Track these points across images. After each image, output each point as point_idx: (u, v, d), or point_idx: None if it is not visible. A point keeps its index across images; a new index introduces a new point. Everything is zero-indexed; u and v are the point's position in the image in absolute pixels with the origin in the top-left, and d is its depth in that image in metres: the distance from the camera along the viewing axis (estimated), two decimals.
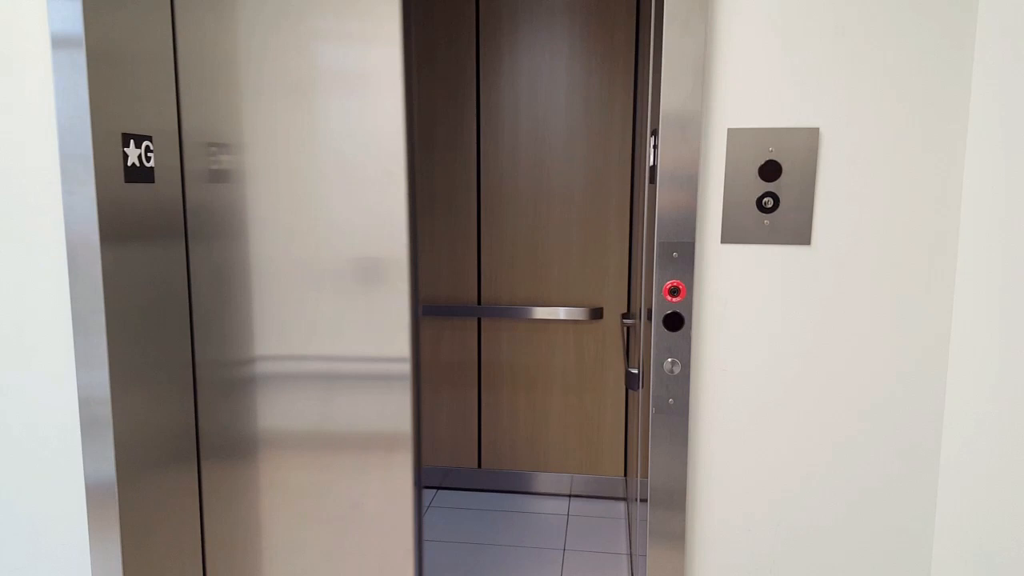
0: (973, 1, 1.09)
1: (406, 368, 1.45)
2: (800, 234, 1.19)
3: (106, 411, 1.31)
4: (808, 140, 1.16)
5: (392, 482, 1.50)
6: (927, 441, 1.22)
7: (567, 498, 2.61)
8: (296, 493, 1.54)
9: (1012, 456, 1.04)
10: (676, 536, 1.30)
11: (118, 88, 1.31)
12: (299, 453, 1.53)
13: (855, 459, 1.25)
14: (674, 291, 1.23)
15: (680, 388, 1.26)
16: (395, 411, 1.47)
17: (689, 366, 1.25)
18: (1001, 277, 1.07)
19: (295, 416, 1.53)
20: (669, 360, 1.26)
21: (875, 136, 1.14)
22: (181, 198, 1.48)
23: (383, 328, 1.45)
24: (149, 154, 1.41)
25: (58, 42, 1.23)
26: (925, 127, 1.13)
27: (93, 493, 1.33)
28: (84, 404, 1.31)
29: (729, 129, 1.18)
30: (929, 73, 1.12)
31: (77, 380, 1.31)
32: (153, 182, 1.43)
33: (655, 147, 1.25)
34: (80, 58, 1.23)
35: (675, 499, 1.30)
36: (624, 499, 2.55)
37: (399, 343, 1.45)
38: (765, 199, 1.18)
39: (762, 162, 1.17)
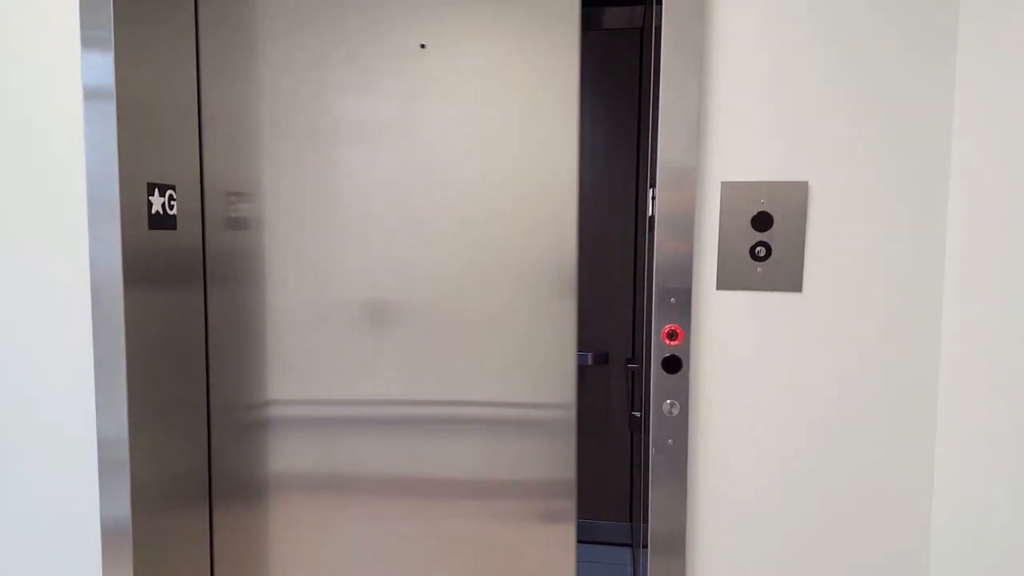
0: (951, 64, 1.17)
1: (560, 414, 1.50)
2: (792, 281, 1.25)
3: (124, 451, 1.35)
4: (797, 193, 1.23)
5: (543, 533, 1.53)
6: (919, 480, 1.25)
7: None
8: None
9: (1002, 497, 1.07)
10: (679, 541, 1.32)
11: (145, 139, 1.39)
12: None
13: (849, 498, 1.27)
14: (672, 335, 1.29)
15: (679, 429, 1.30)
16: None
17: (688, 407, 1.29)
18: (986, 324, 1.12)
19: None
20: (668, 402, 1.30)
21: (861, 189, 1.21)
22: (201, 244, 1.56)
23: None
24: (172, 202, 1.49)
25: (90, 95, 1.32)
26: (908, 181, 1.20)
27: (108, 533, 1.37)
28: (103, 444, 1.36)
29: (723, 182, 1.25)
30: (912, 129, 1.19)
31: (97, 421, 1.36)
32: (175, 229, 1.50)
33: (653, 199, 1.32)
34: (110, 110, 1.32)
35: (675, 542, 1.32)
36: (630, 545, 2.54)
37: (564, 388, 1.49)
38: (758, 248, 1.25)
39: (754, 213, 1.24)
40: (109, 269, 1.35)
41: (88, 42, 1.31)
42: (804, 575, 1.30)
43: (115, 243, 1.35)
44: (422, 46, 1.42)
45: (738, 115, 1.23)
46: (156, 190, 1.44)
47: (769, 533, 1.31)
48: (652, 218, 1.33)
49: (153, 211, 1.44)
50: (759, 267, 1.25)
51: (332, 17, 1.49)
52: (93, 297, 1.35)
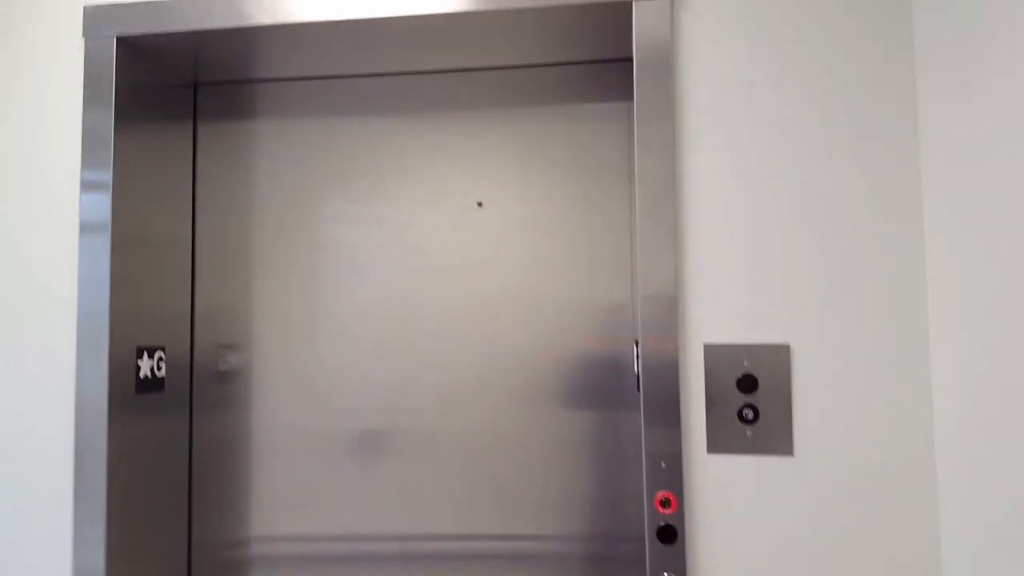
0: (919, 216, 1.22)
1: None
2: (782, 445, 1.22)
3: None
4: (780, 355, 1.23)
5: None
6: None
7: None
8: None
9: None
10: None
11: (135, 307, 1.42)
12: None
13: None
14: (665, 503, 1.24)
15: None
16: None
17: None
18: (980, 476, 1.09)
19: None
20: (665, 574, 1.23)
21: (842, 351, 1.22)
22: (189, 396, 1.55)
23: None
24: (161, 363, 1.49)
25: (86, 230, 1.36)
26: (889, 337, 1.21)
27: None
28: None
29: (705, 344, 1.25)
30: (887, 286, 1.22)
31: (73, 561, 1.30)
32: (163, 391, 1.50)
33: (637, 357, 1.32)
34: (105, 260, 1.35)
35: None
36: None
37: None
38: (745, 411, 1.23)
39: (739, 375, 1.24)
40: (94, 415, 1.34)
41: (87, 185, 1.37)
42: None
43: (101, 405, 1.35)
44: (479, 204, 1.50)
45: (716, 279, 1.26)
46: (145, 353, 1.45)
47: None
48: (638, 376, 1.33)
49: (141, 375, 1.44)
50: (748, 430, 1.23)
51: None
52: (77, 437, 1.33)
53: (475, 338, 1.49)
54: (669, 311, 1.26)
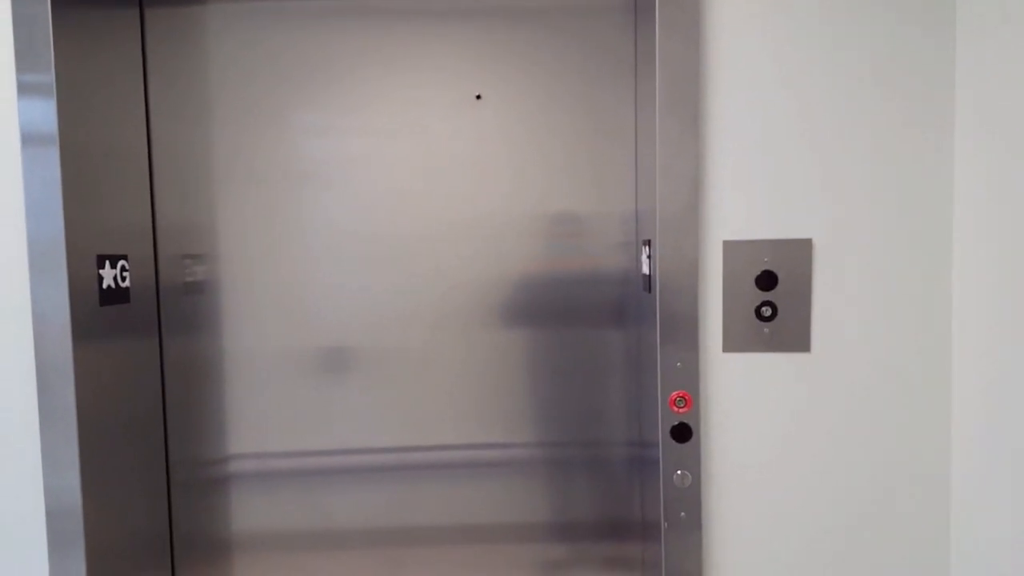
0: (951, 107, 1.17)
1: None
2: (800, 341, 1.21)
3: (77, 520, 1.20)
4: (801, 250, 1.19)
5: None
6: (935, 541, 1.22)
7: None
8: None
9: (1020, 555, 1.04)
10: None
11: (93, 196, 1.26)
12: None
13: (868, 563, 1.23)
14: (680, 401, 1.23)
15: (692, 500, 1.23)
16: None
17: (700, 477, 1.23)
18: (995, 379, 1.10)
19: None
20: (679, 472, 1.23)
21: (865, 244, 1.19)
22: (156, 309, 1.42)
23: None
24: (124, 273, 1.35)
25: (29, 141, 1.18)
26: (914, 230, 1.19)
27: None
28: (52, 514, 1.20)
29: (724, 241, 1.20)
30: (914, 178, 1.18)
31: (44, 484, 1.20)
32: (128, 302, 1.36)
33: (648, 257, 1.27)
34: (53, 158, 1.18)
35: None
36: None
37: None
38: (763, 308, 1.21)
39: (758, 272, 1.20)
40: (56, 333, 1.21)
41: (26, 88, 1.17)
42: None
43: (63, 323, 1.21)
44: (478, 97, 1.35)
45: (738, 171, 1.20)
46: (107, 262, 1.31)
47: None
48: (648, 276, 1.28)
49: (104, 285, 1.30)
50: (765, 327, 1.21)
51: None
52: (38, 358, 1.19)
53: (465, 251, 1.40)
54: (689, 205, 1.19)
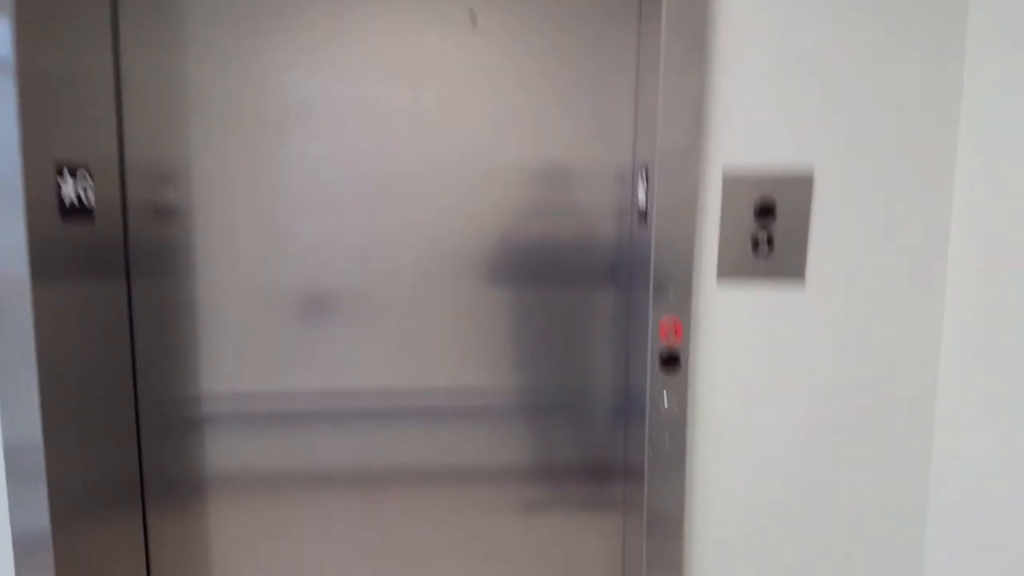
0: (960, 47, 1.17)
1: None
2: (795, 272, 1.20)
3: (37, 457, 1.15)
4: (801, 180, 1.18)
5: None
6: (917, 475, 1.23)
7: None
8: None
9: (1002, 492, 1.06)
10: (675, 557, 1.24)
11: (52, 114, 1.18)
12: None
13: (850, 495, 1.24)
14: (671, 330, 1.21)
15: (678, 429, 1.23)
16: None
17: (687, 407, 1.22)
18: (990, 318, 1.11)
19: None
20: (667, 398, 1.23)
21: (866, 176, 1.19)
22: (123, 233, 1.35)
23: None
24: (86, 185, 1.27)
25: None
26: (914, 168, 1.18)
27: (23, 547, 1.15)
28: (11, 451, 1.14)
29: (725, 168, 1.19)
30: (918, 115, 1.18)
31: (2, 425, 1.14)
32: (92, 219, 1.28)
33: (648, 183, 1.25)
34: (8, 85, 1.10)
35: (673, 547, 1.25)
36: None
37: None
38: (760, 238, 1.20)
39: (758, 201, 1.19)
40: (12, 261, 1.13)
41: None
42: (800, 567, 1.26)
43: (19, 237, 1.13)
44: (472, 15, 1.29)
45: (742, 98, 1.18)
46: (67, 172, 1.23)
47: (771, 535, 1.25)
48: (647, 204, 1.26)
49: (65, 198, 1.22)
50: (761, 257, 1.20)
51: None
52: None
53: (455, 193, 1.36)
54: (690, 131, 1.17)
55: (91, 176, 1.28)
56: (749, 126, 1.18)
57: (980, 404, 1.12)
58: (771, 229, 1.20)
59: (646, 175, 1.26)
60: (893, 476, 1.24)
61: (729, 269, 1.21)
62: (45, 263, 1.16)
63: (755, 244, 1.20)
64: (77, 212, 1.24)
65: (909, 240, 1.20)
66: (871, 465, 1.24)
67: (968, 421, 1.15)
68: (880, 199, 1.19)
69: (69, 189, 1.23)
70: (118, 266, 1.34)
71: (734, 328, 1.22)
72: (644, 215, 1.28)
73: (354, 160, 1.34)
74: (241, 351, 1.38)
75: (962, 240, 1.17)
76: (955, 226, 1.18)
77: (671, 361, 1.22)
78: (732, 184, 1.19)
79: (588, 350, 1.40)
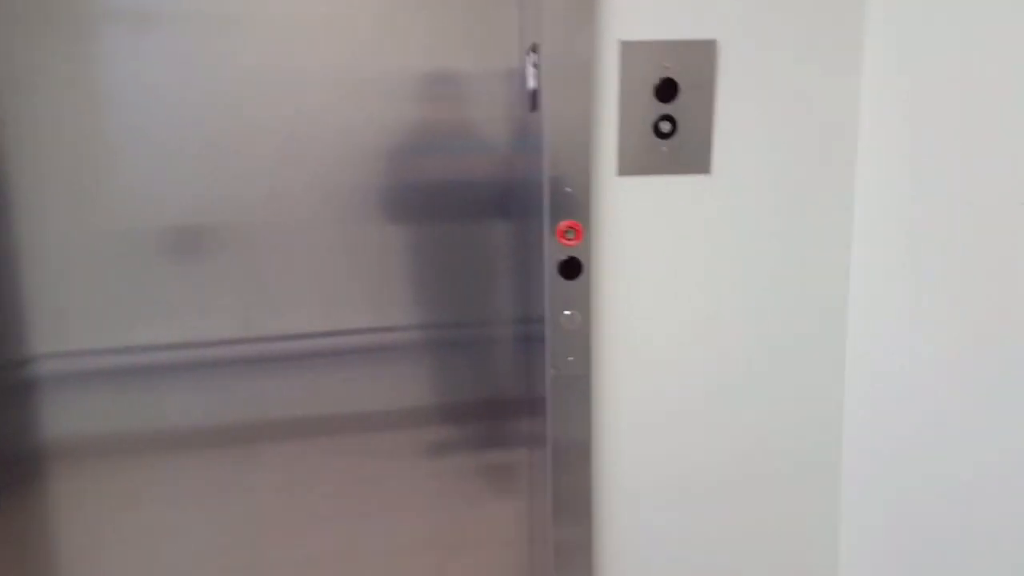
0: None
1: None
2: (699, 161, 1.08)
3: None
4: (705, 54, 1.05)
5: None
6: (829, 380, 1.19)
7: None
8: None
9: (915, 394, 1.01)
10: (583, 499, 1.15)
11: None
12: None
13: (761, 395, 1.18)
14: (570, 232, 1.07)
15: (581, 343, 1.11)
16: None
17: (590, 317, 1.10)
18: (901, 200, 1.04)
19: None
20: (567, 313, 1.10)
21: (775, 50, 1.06)
22: None
23: None
24: None
25: None
26: (825, 42, 1.07)
27: None
28: None
29: (621, 42, 1.03)
30: None
31: None
32: None
33: (536, 66, 1.07)
34: None
35: (579, 474, 1.15)
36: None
37: None
38: (663, 123, 1.06)
39: (657, 80, 1.05)
40: None
41: None
42: (716, 486, 1.20)
43: None
44: None
45: None
46: None
47: (685, 453, 1.18)
48: (535, 91, 1.09)
49: None
50: (664, 146, 1.07)
51: None
52: None
53: (327, 116, 1.12)
54: (581, 1, 1.00)
55: None
56: None
57: (891, 292, 1.06)
58: (674, 111, 1.06)
59: (535, 52, 1.08)
60: (807, 378, 1.18)
61: (631, 161, 1.07)
62: None
63: (657, 130, 1.06)
64: None
65: (821, 121, 1.10)
66: (784, 367, 1.17)
67: (879, 310, 1.09)
68: (789, 73, 1.07)
69: None
70: None
71: (638, 226, 1.10)
72: (535, 104, 1.12)
73: (207, 74, 1.07)
74: (76, 305, 1.12)
75: (873, 116, 1.08)
76: (865, 101, 1.09)
77: (571, 267, 1.09)
78: (630, 59, 1.04)
79: (484, 271, 1.24)
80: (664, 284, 1.12)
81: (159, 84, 1.06)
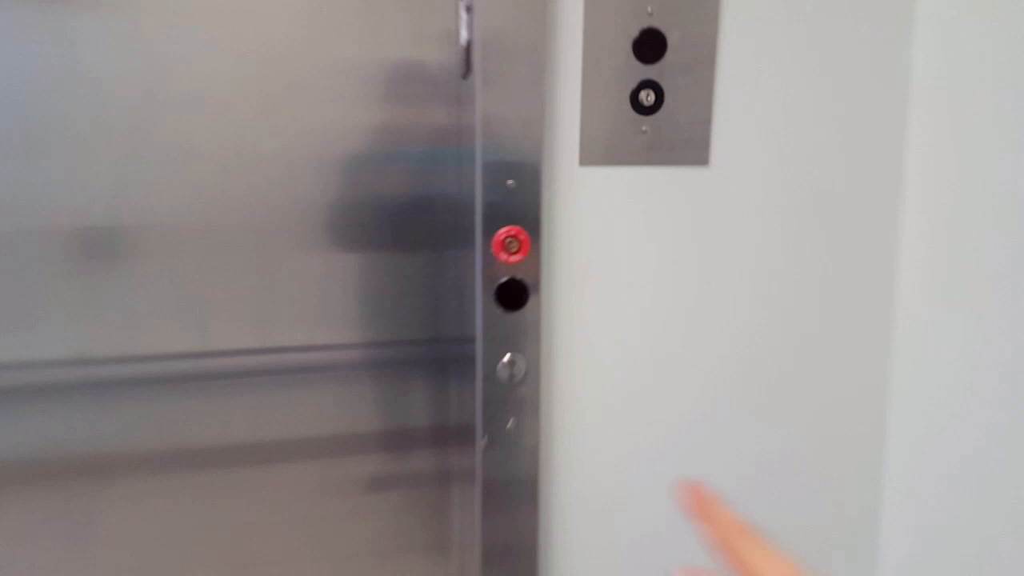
0: None
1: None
2: (694, 148, 0.77)
3: None
4: None
5: None
6: (871, 420, 0.87)
7: None
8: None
9: (959, 421, 0.71)
10: None
11: None
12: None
13: (786, 473, 0.86)
14: (511, 244, 0.75)
15: (527, 402, 0.78)
16: None
17: (540, 363, 0.78)
18: (955, 208, 0.74)
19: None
20: (507, 357, 0.77)
21: None
22: None
23: None
24: None
25: None
26: None
27: None
28: None
29: None
30: None
31: None
32: None
33: (468, 10, 0.76)
34: None
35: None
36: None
37: None
38: (644, 91, 0.75)
39: (637, 32, 0.74)
40: None
41: None
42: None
43: None
44: None
45: None
46: None
47: (678, 554, 0.85)
48: (468, 46, 0.78)
49: None
50: (645, 124, 0.76)
51: None
52: None
53: (265, 109, 0.80)
54: None
55: None
56: None
57: (938, 323, 0.76)
58: (659, 75, 0.76)
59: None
60: (843, 452, 0.87)
61: (598, 145, 0.76)
62: None
63: (636, 102, 0.76)
64: None
65: (862, 92, 0.80)
66: (818, 437, 0.86)
67: (926, 336, 0.79)
68: (823, 31, 0.78)
69: None
70: None
71: (607, 238, 0.78)
72: (468, 66, 0.80)
73: (122, 58, 0.74)
74: None
75: (925, 88, 0.78)
76: (918, 64, 0.80)
77: (512, 292, 0.76)
78: (598, 4, 0.73)
79: (426, 284, 0.91)
80: (643, 316, 0.80)
81: (61, 68, 0.73)
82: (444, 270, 0.85)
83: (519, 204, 0.75)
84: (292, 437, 0.88)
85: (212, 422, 0.86)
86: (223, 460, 0.87)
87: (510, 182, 0.75)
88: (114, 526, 0.84)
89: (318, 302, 0.85)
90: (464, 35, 0.80)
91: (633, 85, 0.75)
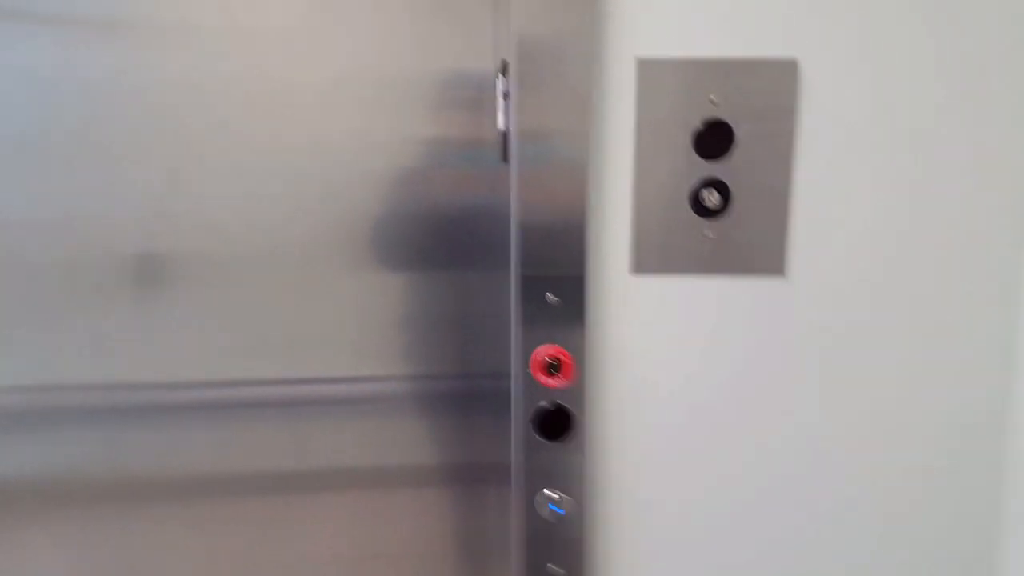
0: None
1: None
2: (768, 255, 0.66)
3: None
4: (779, 81, 0.64)
5: None
6: (982, 550, 0.73)
7: None
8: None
9: None
10: None
11: None
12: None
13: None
14: (552, 366, 0.66)
15: (571, 547, 0.68)
16: None
17: (585, 503, 0.68)
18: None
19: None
20: (547, 494, 0.67)
21: (900, 78, 0.65)
22: None
23: None
24: None
25: None
26: (998, 75, 0.65)
27: None
28: None
29: (639, 60, 0.63)
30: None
31: None
32: None
33: (506, 96, 0.68)
34: None
35: None
36: None
37: None
38: (708, 192, 0.65)
39: (700, 124, 0.64)
40: None
41: None
42: None
43: None
44: None
45: None
46: None
47: None
48: (505, 135, 0.69)
49: None
50: (710, 229, 0.66)
51: None
52: None
53: (320, 134, 0.73)
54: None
55: None
56: None
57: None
58: (726, 173, 0.65)
59: (505, 79, 0.69)
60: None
61: (652, 253, 0.66)
62: None
63: (698, 203, 0.65)
64: None
65: (976, 203, 0.67)
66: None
67: None
68: (924, 109, 0.66)
69: None
70: None
71: (666, 357, 0.68)
72: (506, 152, 0.71)
73: (170, 83, 0.69)
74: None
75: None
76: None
77: (553, 420, 0.66)
78: (653, 88, 0.64)
79: (477, 317, 0.82)
80: (708, 451, 0.69)
81: (122, 90, 0.69)
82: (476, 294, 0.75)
83: (562, 320, 0.66)
84: (324, 467, 0.79)
85: (233, 451, 0.79)
86: (244, 489, 0.79)
87: (550, 296, 0.65)
88: (148, 552, 0.78)
89: (351, 331, 0.76)
90: (501, 121, 0.71)
91: (694, 183, 0.65)
